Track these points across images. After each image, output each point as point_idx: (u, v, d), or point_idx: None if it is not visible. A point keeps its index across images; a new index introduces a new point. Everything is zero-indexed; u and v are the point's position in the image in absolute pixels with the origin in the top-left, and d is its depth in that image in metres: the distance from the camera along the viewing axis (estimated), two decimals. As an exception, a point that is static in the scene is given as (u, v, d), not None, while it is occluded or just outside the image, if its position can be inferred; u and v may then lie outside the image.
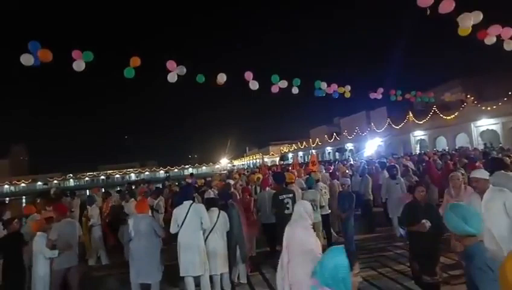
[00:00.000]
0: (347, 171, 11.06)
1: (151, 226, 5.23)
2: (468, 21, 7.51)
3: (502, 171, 6.44)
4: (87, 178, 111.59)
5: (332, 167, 14.14)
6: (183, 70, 8.86)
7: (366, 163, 14.05)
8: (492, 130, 28.26)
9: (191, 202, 5.35)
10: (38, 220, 5.68)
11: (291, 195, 6.18)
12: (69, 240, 5.17)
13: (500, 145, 21.67)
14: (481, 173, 3.94)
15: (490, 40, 8.55)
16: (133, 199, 8.28)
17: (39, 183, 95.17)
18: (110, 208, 8.55)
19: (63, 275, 5.10)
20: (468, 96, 29.69)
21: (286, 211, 5.96)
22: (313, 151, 60.27)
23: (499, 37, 8.61)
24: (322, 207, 7.14)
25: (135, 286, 5.20)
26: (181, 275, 5.14)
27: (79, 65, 7.40)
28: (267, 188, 7.68)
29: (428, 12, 7.15)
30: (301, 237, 3.41)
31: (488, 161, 7.56)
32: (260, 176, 10.09)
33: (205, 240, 5.38)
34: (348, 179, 8.29)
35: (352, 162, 18.61)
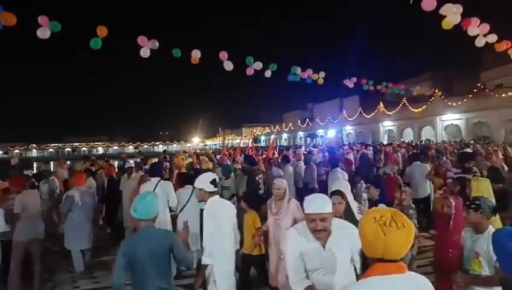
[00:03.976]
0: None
1: (93, 200, 6.00)
2: (452, 13, 7.50)
3: (418, 162, 7.29)
4: (51, 149, 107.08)
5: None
6: (155, 44, 8.62)
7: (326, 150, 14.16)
8: (456, 125, 29.53)
9: (159, 179, 5.34)
10: None
11: (261, 176, 6.66)
12: (33, 212, 4.98)
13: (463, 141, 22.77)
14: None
15: (473, 30, 8.28)
16: None
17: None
18: None
19: (25, 247, 4.83)
20: (437, 90, 30.68)
21: (260, 191, 6.34)
22: (285, 135, 60.95)
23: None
24: None
25: (77, 252, 5.60)
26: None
27: (44, 32, 7.00)
28: None
29: (411, 1, 7.23)
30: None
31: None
32: (191, 160, 9.43)
33: (176, 218, 5.38)
34: (279, 169, 7.88)
35: (304, 150, 16.73)
